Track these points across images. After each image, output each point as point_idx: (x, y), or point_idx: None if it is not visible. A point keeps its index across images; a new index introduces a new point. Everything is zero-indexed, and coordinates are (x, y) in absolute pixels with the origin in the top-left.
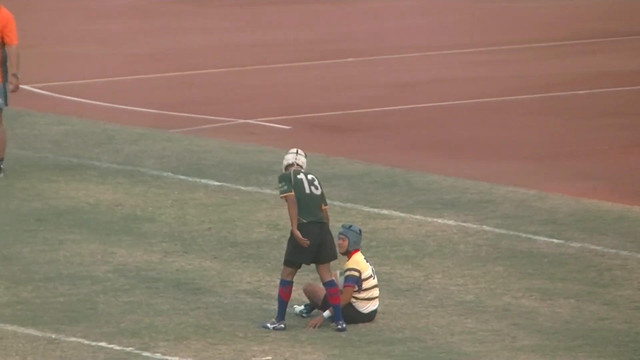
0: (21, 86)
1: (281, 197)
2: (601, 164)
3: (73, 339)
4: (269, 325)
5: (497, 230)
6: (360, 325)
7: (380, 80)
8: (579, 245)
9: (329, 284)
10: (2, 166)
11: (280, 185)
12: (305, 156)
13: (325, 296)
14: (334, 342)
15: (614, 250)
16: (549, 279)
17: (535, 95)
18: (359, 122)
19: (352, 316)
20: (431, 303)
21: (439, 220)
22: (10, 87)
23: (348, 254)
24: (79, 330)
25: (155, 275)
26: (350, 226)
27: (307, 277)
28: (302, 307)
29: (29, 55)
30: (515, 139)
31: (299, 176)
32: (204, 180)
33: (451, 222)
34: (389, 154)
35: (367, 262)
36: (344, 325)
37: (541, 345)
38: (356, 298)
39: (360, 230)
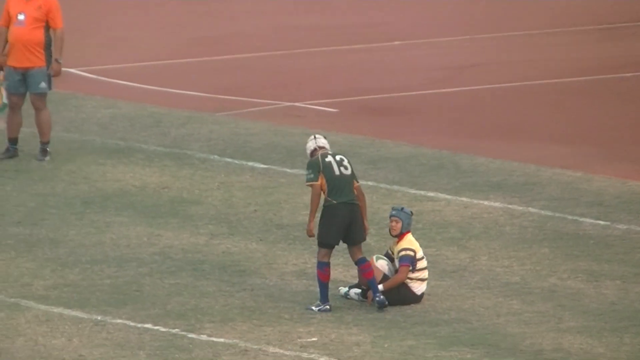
0: (69, 70)
1: (307, 185)
2: None
3: (119, 320)
4: (313, 308)
5: (543, 212)
6: (406, 306)
7: (427, 63)
8: (625, 227)
9: (361, 261)
10: (48, 149)
11: (307, 172)
12: (325, 137)
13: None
14: (380, 323)
15: None
16: (595, 260)
17: (583, 78)
18: (406, 105)
19: (406, 297)
20: (477, 285)
21: (485, 203)
22: (51, 72)
23: (399, 236)
24: (125, 312)
25: (201, 258)
26: (402, 208)
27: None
28: (347, 288)
29: (78, 40)
30: (562, 122)
31: (327, 159)
32: (250, 163)
33: (497, 204)
34: (436, 136)
35: None
36: (382, 296)
37: (587, 326)
38: (410, 279)
39: (411, 212)
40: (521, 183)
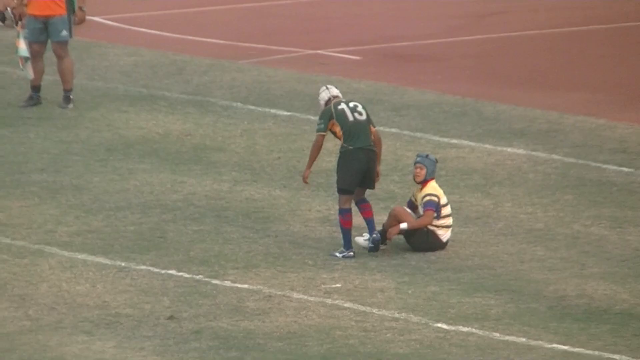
0: (93, 18)
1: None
2: None
3: (143, 267)
4: (337, 254)
5: (566, 159)
6: (430, 253)
7: (450, 11)
8: None
9: (361, 201)
10: (71, 97)
11: (318, 122)
12: (336, 87)
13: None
14: (404, 269)
15: None
16: (618, 207)
17: (607, 26)
18: (429, 52)
19: (434, 244)
20: (501, 231)
21: (509, 149)
22: (75, 19)
23: (424, 182)
24: (148, 258)
25: (225, 204)
26: (427, 155)
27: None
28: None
29: None
30: (585, 69)
31: (339, 107)
32: (273, 110)
33: (520, 151)
34: (459, 83)
35: None
36: (378, 235)
37: (610, 272)
38: (436, 226)
39: (436, 160)
40: (544, 130)
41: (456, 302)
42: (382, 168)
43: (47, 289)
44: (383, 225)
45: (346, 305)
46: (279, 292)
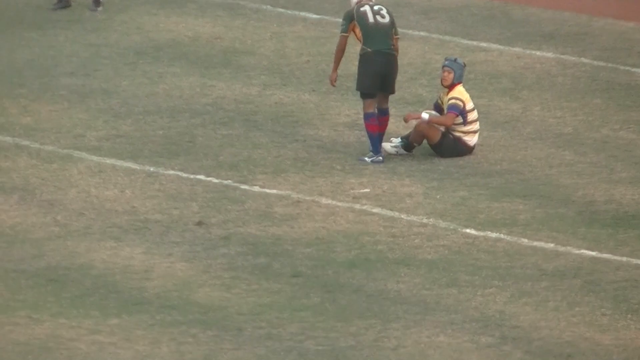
0: None
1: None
2: None
3: (171, 172)
4: (366, 159)
5: (595, 62)
6: (458, 158)
7: None
8: None
9: (383, 112)
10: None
11: (341, 23)
12: None
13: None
14: (432, 174)
15: None
16: None
17: None
18: None
19: (462, 150)
20: (529, 135)
21: (538, 53)
22: None
23: (451, 86)
24: (177, 163)
25: (254, 108)
26: (456, 59)
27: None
28: (399, 139)
29: None
30: None
31: (362, 9)
32: (302, 13)
33: (549, 55)
34: None
35: None
36: (382, 158)
37: (639, 177)
38: (463, 132)
39: (464, 64)
40: (573, 33)
41: (485, 207)
42: (411, 72)
43: (75, 194)
44: (408, 137)
45: (374, 210)
46: (308, 198)
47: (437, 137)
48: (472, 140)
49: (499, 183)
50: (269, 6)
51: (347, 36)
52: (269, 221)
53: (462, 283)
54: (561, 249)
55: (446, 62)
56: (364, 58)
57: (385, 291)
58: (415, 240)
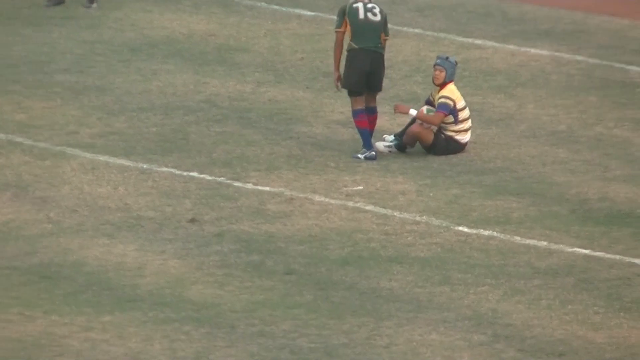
0: None
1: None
2: None
3: (165, 169)
4: (359, 155)
5: (590, 60)
6: (452, 155)
7: None
8: None
9: (371, 110)
10: None
11: (336, 19)
12: None
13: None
14: (425, 172)
15: None
16: None
17: None
18: None
19: (454, 147)
20: (523, 133)
21: (532, 50)
22: None
23: (443, 84)
24: (171, 160)
25: (248, 106)
26: (447, 57)
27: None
28: (392, 137)
29: None
30: None
31: (354, 5)
32: (297, 10)
33: (544, 52)
34: None
35: None
36: (374, 153)
37: (633, 175)
38: (455, 131)
39: (456, 62)
40: (569, 30)
41: (478, 205)
42: (405, 69)
43: (68, 191)
44: (401, 135)
45: (367, 208)
46: (301, 195)
47: (429, 139)
48: (464, 138)
49: (493, 181)
50: (263, 3)
51: (343, 31)
52: (262, 218)
53: (454, 281)
54: (554, 247)
55: (438, 61)
56: (350, 55)
57: (378, 289)
58: (408, 238)
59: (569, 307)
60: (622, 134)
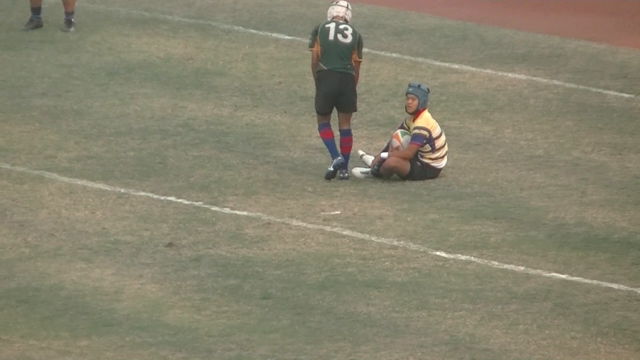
0: None
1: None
2: None
3: (142, 193)
4: (331, 168)
5: (567, 84)
6: (429, 180)
7: None
8: None
9: (344, 133)
10: (73, 20)
11: (310, 37)
12: (348, 7)
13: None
14: (403, 196)
15: None
16: (618, 133)
17: None
18: None
19: (431, 173)
20: (500, 158)
21: (510, 75)
22: None
23: (416, 112)
24: (148, 184)
25: (225, 130)
26: (419, 85)
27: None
28: (369, 170)
29: None
30: None
31: (327, 25)
32: (275, 35)
33: (522, 77)
34: (460, 7)
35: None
36: (347, 174)
37: (610, 199)
38: (432, 158)
39: (428, 89)
40: (546, 55)
41: (455, 230)
42: (382, 93)
43: (46, 215)
44: (378, 168)
45: (345, 232)
46: (278, 220)
47: (406, 169)
48: (441, 164)
49: (470, 205)
50: (240, 27)
51: (317, 50)
52: (240, 243)
53: (432, 306)
54: (532, 271)
55: (410, 89)
56: (319, 76)
57: (355, 313)
58: (386, 263)
59: (547, 332)
60: (600, 159)
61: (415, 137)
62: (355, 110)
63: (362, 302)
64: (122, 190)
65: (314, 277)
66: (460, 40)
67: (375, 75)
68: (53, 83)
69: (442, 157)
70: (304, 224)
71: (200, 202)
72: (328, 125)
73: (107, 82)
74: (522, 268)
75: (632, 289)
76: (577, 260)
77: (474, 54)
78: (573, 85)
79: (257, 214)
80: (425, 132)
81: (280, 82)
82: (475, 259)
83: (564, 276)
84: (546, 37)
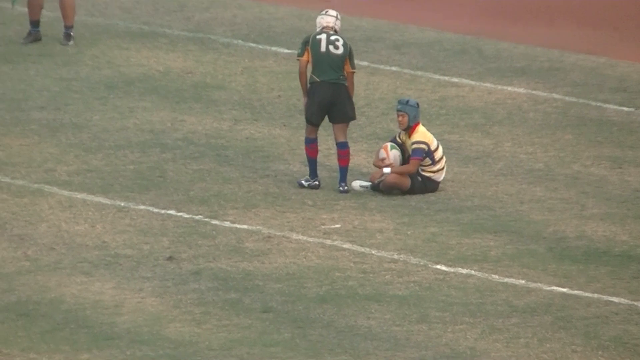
0: None
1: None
2: None
3: (142, 207)
4: (303, 182)
5: (566, 98)
6: (429, 193)
7: None
8: None
9: (340, 145)
10: (72, 33)
11: (299, 47)
12: (337, 17)
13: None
14: (403, 210)
15: None
16: (618, 147)
17: None
18: None
19: (431, 187)
20: (500, 171)
21: (509, 88)
22: None
23: (409, 129)
24: (148, 198)
25: (225, 143)
26: (407, 101)
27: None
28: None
29: None
30: (587, 5)
31: (318, 36)
32: (274, 48)
33: (521, 90)
34: (460, 21)
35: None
36: (346, 187)
37: (610, 213)
38: (432, 171)
39: (417, 104)
40: (545, 68)
41: (455, 244)
42: (382, 107)
43: (46, 228)
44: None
45: (345, 246)
46: (278, 233)
47: (407, 185)
48: (440, 176)
49: (470, 219)
50: (240, 41)
51: (306, 60)
52: (240, 256)
53: (432, 319)
54: (532, 285)
55: (399, 106)
56: (312, 87)
57: (356, 327)
58: (386, 276)
59: (547, 345)
60: (599, 172)
61: (415, 152)
62: (353, 119)
63: (362, 316)
64: (122, 204)
65: (314, 290)
66: (459, 54)
67: (374, 88)
68: (52, 96)
69: (442, 169)
70: (304, 238)
71: (200, 216)
72: (315, 141)
73: (107, 95)
74: (523, 281)
75: (632, 302)
76: (577, 274)
77: (473, 67)
78: (572, 99)
79: (257, 227)
80: (424, 146)
81: (279, 96)
82: (476, 273)
83: (564, 290)
84: (545, 51)
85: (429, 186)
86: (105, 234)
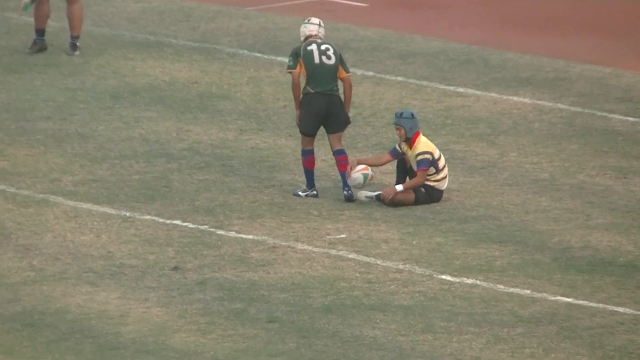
0: None
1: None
2: None
3: (147, 217)
4: (300, 193)
5: (572, 108)
6: (435, 203)
7: None
8: None
9: (337, 152)
10: (78, 44)
11: (288, 59)
12: (320, 25)
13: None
14: (408, 220)
15: None
16: (624, 157)
17: None
18: None
19: (436, 197)
20: (506, 181)
21: (514, 98)
22: None
23: (409, 140)
24: (153, 208)
25: (230, 153)
26: (402, 113)
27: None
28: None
29: None
30: (592, 15)
31: (309, 47)
32: (279, 58)
33: (526, 100)
34: (465, 31)
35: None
36: (350, 192)
37: (615, 223)
38: (436, 180)
39: (412, 114)
40: (550, 78)
41: (461, 254)
42: (388, 117)
43: (51, 238)
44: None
45: (350, 256)
46: (284, 243)
47: (411, 199)
48: (444, 185)
49: (475, 229)
50: (245, 51)
51: (298, 72)
52: (245, 266)
53: (437, 329)
54: (537, 295)
55: (394, 120)
56: (307, 98)
57: (361, 337)
58: (391, 286)
59: (552, 355)
60: (605, 182)
61: (421, 163)
62: (349, 123)
63: (367, 326)
64: (128, 214)
65: (319, 300)
66: (464, 64)
67: (380, 98)
68: (58, 106)
69: (445, 177)
70: (310, 248)
71: (205, 226)
72: (312, 152)
73: (112, 105)
74: (528, 291)
75: (637, 312)
76: (582, 284)
77: (478, 77)
78: (578, 109)
79: (263, 237)
80: (429, 156)
81: (285, 106)
82: (481, 283)
83: (569, 300)
84: (550, 61)
85: (433, 196)
86: (110, 244)
